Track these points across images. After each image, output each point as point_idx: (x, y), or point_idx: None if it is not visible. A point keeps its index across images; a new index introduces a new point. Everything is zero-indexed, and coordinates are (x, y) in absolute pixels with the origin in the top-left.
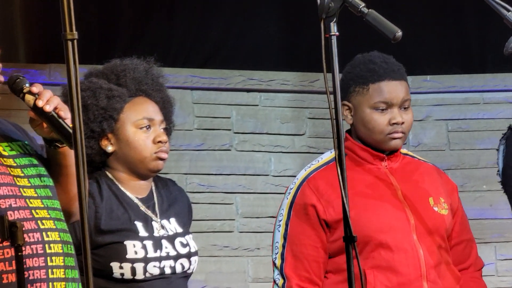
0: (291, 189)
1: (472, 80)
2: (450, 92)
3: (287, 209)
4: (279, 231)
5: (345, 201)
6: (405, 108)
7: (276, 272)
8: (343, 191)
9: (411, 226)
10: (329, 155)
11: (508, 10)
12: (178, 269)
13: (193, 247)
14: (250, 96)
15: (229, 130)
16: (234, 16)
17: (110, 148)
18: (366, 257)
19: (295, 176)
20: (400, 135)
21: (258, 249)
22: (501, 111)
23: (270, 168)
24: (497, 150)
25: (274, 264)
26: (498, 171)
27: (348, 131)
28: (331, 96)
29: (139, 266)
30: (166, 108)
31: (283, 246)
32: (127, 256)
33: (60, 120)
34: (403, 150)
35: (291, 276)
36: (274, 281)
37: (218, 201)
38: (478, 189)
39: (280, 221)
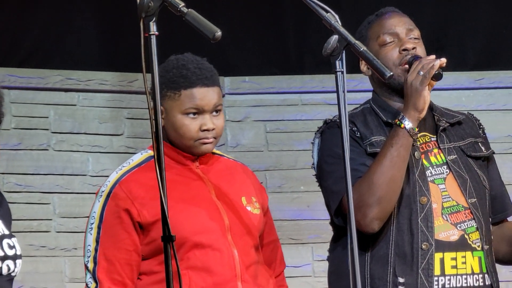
0: (103, 191)
1: (290, 82)
2: (268, 93)
3: (99, 212)
4: (91, 234)
5: (164, 201)
6: (216, 112)
7: (89, 275)
8: (162, 191)
9: (225, 226)
10: (140, 156)
11: (327, 11)
12: (4, 270)
13: (19, 250)
14: (68, 96)
15: (47, 130)
16: (52, 15)
17: None
18: (181, 258)
19: None
20: (211, 140)
21: (75, 249)
22: (319, 113)
23: (88, 168)
24: (312, 143)
25: (87, 267)
26: (313, 164)
27: None
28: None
29: None
30: None
31: (96, 250)
32: None
33: None
34: (214, 150)
35: (103, 279)
36: (86, 285)
37: (35, 201)
38: (296, 190)
39: (92, 224)
